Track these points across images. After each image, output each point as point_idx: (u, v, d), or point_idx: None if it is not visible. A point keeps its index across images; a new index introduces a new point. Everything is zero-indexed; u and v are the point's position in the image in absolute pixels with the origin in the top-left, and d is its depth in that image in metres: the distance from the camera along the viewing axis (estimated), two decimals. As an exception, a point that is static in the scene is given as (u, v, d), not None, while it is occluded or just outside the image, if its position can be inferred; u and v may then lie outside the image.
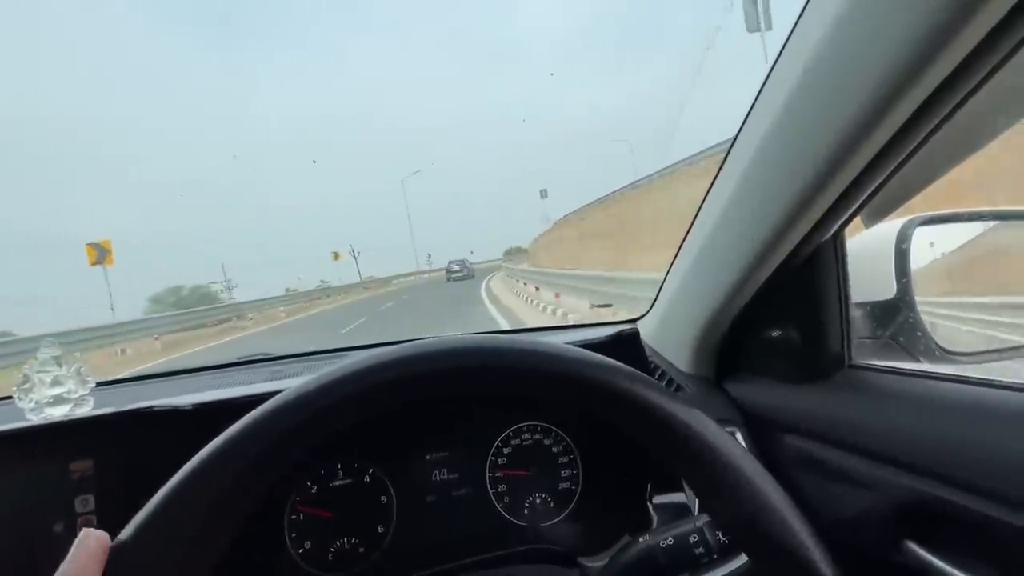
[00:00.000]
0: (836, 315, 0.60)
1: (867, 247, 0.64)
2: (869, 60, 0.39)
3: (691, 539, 0.42)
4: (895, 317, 0.63)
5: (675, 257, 0.71)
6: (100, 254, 12.97)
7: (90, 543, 0.29)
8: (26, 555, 0.51)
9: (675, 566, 0.40)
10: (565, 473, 0.71)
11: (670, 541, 0.41)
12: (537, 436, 0.73)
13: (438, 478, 0.70)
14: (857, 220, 0.57)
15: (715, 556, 0.41)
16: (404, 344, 0.32)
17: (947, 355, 0.64)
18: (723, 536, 0.41)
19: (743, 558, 0.50)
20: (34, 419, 0.59)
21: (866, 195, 0.51)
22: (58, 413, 0.61)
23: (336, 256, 35.74)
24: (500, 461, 0.71)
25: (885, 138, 0.43)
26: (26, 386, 0.60)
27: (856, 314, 0.63)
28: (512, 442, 0.72)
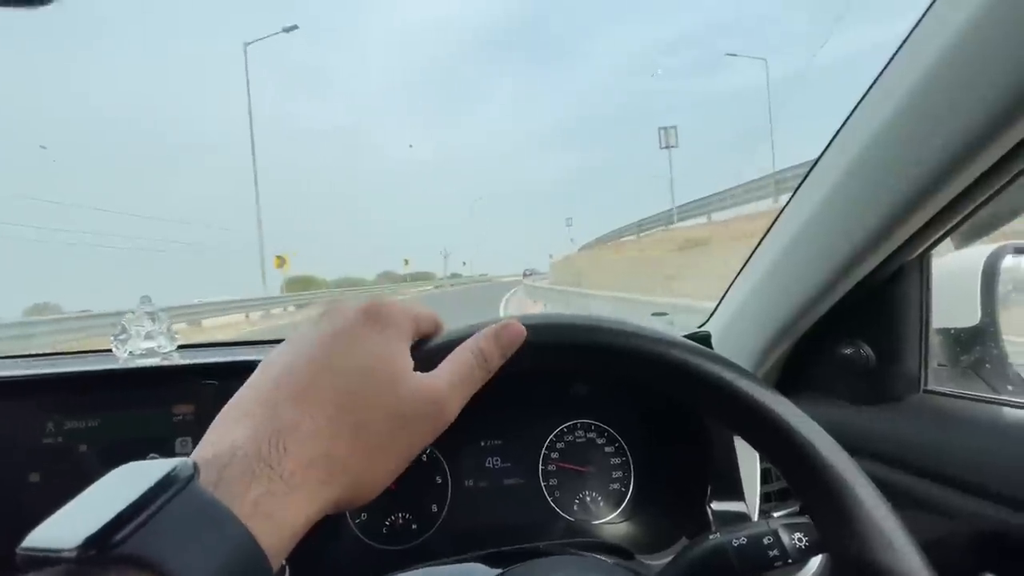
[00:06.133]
0: (915, 338, 0.59)
1: (951, 270, 0.62)
2: (985, 77, 0.38)
3: (765, 540, 0.41)
4: (977, 345, 0.61)
5: (743, 266, 0.71)
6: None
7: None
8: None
9: (747, 567, 0.40)
10: (616, 474, 0.72)
11: (743, 540, 0.40)
12: (591, 435, 0.73)
13: (491, 465, 0.71)
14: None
15: (790, 560, 0.41)
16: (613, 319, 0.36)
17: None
18: (800, 542, 0.41)
19: (816, 564, 0.50)
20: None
21: (963, 216, 0.50)
22: (148, 364, 0.65)
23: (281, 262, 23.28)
24: (553, 455, 0.72)
25: (994, 158, 0.42)
26: (123, 336, 0.65)
27: (935, 339, 0.61)
28: (566, 438, 0.73)
